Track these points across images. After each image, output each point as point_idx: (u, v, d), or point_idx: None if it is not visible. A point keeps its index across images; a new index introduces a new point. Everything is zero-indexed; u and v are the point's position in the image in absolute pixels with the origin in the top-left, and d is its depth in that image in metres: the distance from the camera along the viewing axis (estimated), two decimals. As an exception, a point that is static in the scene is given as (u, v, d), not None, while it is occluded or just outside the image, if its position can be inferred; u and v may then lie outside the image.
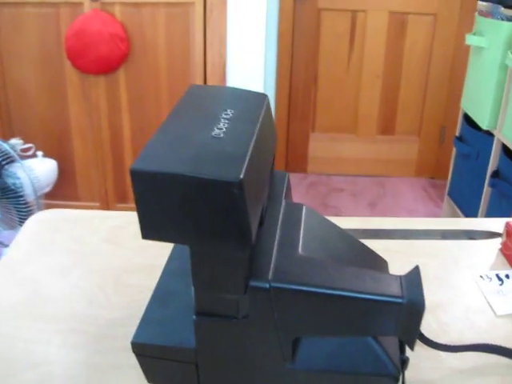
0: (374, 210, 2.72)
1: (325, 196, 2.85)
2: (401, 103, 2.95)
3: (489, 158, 2.10)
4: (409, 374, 0.54)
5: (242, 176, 0.39)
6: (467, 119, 2.35)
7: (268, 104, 0.53)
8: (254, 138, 0.45)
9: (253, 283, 0.45)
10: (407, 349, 0.52)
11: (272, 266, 0.46)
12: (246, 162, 0.41)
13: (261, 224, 0.51)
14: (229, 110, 0.49)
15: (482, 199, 2.16)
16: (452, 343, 0.57)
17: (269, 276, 0.45)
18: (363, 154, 3.06)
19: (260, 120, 0.48)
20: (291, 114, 3.00)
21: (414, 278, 0.47)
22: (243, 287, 0.45)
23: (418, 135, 3.01)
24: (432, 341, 0.57)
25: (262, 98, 0.53)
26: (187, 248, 0.44)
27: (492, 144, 2.09)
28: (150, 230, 0.42)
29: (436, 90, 2.90)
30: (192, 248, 0.43)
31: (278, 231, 0.51)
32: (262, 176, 0.47)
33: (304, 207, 0.56)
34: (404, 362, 0.50)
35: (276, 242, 0.49)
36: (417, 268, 0.48)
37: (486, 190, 2.13)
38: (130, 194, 2.43)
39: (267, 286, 0.45)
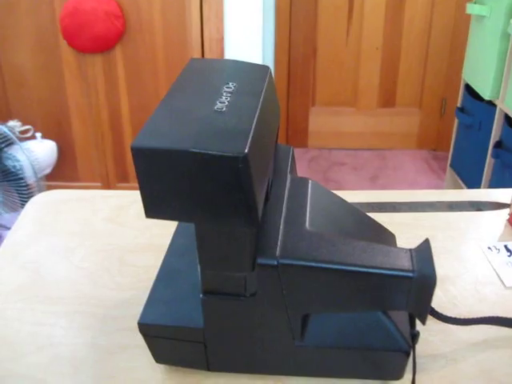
0: (375, 183, 2.71)
1: (326, 170, 2.83)
2: (401, 75, 2.92)
3: (491, 128, 2.08)
4: (419, 347, 0.54)
5: (246, 150, 0.38)
6: (469, 90, 2.32)
7: (271, 76, 0.52)
8: (258, 111, 0.43)
9: (260, 260, 0.44)
10: (417, 322, 0.51)
11: (279, 242, 0.45)
12: (251, 136, 0.39)
13: (266, 199, 0.50)
14: (231, 84, 0.47)
15: (485, 170, 2.14)
16: (462, 316, 0.57)
17: (276, 252, 0.44)
18: (364, 128, 3.04)
19: (263, 93, 0.47)
20: (291, 89, 2.97)
21: (424, 252, 0.46)
22: (251, 264, 0.44)
23: (418, 107, 2.99)
24: (442, 314, 0.56)
25: (264, 70, 0.52)
26: (192, 226, 0.43)
27: (494, 114, 2.06)
28: (154, 208, 0.40)
29: (436, 60, 2.87)
30: (197, 226, 0.42)
31: (285, 206, 0.50)
32: (266, 150, 0.46)
33: (310, 181, 0.55)
34: (414, 336, 0.50)
35: (283, 218, 0.48)
36: (427, 241, 0.47)
37: (489, 160, 2.12)
38: (131, 173, 2.41)
39: (275, 262, 0.44)
